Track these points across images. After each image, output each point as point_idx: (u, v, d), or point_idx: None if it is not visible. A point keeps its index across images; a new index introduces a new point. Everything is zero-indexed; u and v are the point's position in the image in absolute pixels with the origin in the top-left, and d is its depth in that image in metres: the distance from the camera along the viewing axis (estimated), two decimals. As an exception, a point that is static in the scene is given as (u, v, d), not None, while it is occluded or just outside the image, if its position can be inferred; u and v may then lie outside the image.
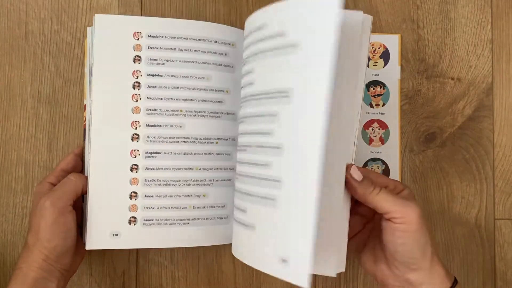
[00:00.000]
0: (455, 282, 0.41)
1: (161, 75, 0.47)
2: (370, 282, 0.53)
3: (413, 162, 0.54)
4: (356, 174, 0.41)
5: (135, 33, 0.47)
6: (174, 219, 0.47)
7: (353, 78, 0.40)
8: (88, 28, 0.50)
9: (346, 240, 0.42)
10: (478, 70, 0.55)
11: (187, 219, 0.47)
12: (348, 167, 0.41)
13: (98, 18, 0.46)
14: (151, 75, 0.47)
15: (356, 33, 0.39)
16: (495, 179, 0.54)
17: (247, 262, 0.41)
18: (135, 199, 0.46)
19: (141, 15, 0.54)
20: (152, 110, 0.47)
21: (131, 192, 0.46)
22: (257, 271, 0.52)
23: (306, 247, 0.34)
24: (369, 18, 0.40)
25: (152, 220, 0.46)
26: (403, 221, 0.40)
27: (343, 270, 0.41)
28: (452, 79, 0.55)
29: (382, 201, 0.40)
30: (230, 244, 0.46)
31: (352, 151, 0.42)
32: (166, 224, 0.47)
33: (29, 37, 0.53)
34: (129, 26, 0.47)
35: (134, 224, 0.46)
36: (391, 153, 0.53)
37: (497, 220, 0.54)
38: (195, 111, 0.47)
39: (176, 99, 0.47)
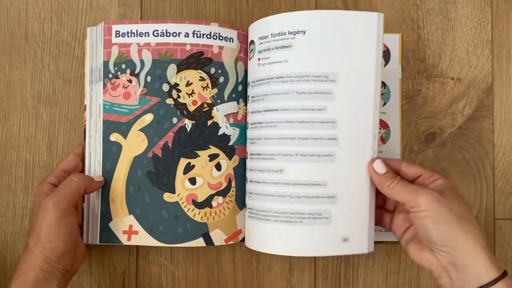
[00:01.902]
0: (504, 273, 0.39)
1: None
2: (370, 282, 0.53)
3: (413, 162, 0.54)
4: (379, 168, 0.44)
5: None
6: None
7: (370, 73, 0.44)
8: (88, 28, 0.50)
9: (373, 223, 0.46)
10: (478, 70, 0.55)
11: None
12: (372, 160, 0.44)
13: None
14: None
15: (373, 30, 0.44)
16: (495, 179, 0.54)
17: (297, 253, 0.46)
18: None
19: (141, 15, 0.54)
20: None
21: None
22: (257, 271, 0.52)
23: (363, 226, 0.45)
24: (381, 16, 0.44)
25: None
26: (418, 209, 0.41)
27: (372, 250, 0.46)
28: (452, 79, 0.55)
29: (398, 193, 0.42)
30: (230, 244, 0.45)
31: (373, 142, 0.45)
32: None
33: (29, 37, 0.53)
34: None
35: None
36: (392, 152, 0.53)
37: (497, 220, 0.54)
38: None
39: None
